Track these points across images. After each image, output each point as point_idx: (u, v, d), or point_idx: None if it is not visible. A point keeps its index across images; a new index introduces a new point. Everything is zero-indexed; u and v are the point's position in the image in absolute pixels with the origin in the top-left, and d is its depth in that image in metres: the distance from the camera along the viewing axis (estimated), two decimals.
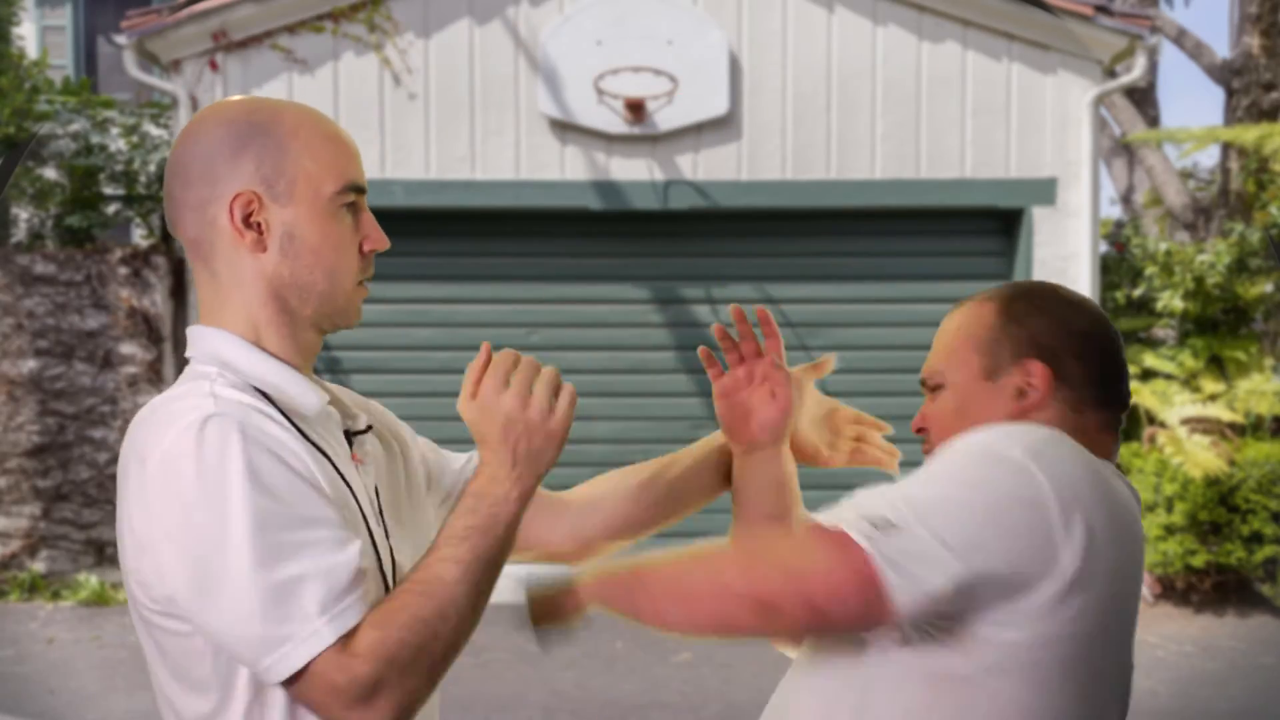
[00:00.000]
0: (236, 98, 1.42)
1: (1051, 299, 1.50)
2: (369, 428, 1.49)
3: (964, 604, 1.25)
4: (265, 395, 1.35)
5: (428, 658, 1.25)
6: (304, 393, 1.38)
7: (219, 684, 1.30)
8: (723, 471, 1.73)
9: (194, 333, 1.41)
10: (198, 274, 1.41)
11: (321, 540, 1.25)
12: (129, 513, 1.28)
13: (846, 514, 1.28)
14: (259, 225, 1.35)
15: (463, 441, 5.86)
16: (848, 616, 1.25)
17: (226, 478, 1.23)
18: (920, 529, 1.24)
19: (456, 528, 1.31)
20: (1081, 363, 1.46)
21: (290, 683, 1.24)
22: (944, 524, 1.24)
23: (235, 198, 1.34)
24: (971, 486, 1.28)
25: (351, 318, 1.42)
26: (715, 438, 1.74)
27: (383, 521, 1.44)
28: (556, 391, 1.38)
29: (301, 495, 1.26)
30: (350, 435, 1.45)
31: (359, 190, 1.40)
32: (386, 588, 1.39)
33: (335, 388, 1.51)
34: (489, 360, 1.37)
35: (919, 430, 1.52)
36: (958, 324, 1.52)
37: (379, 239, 1.42)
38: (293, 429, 1.33)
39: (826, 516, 1.30)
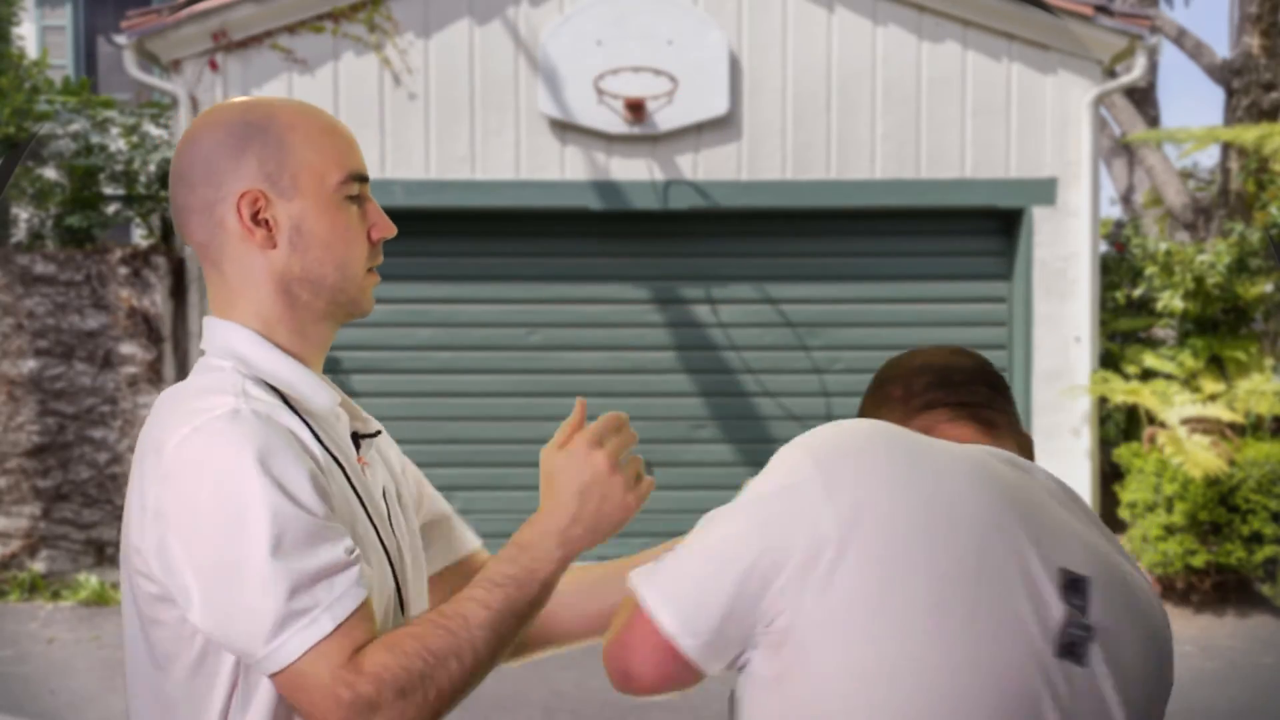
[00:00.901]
0: (231, 101, 1.42)
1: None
2: (378, 432, 1.49)
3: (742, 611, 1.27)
4: (277, 392, 1.35)
5: (433, 691, 1.25)
6: (315, 391, 1.39)
7: (205, 676, 1.29)
8: None
9: (209, 324, 1.41)
10: (208, 276, 1.42)
11: (326, 538, 1.25)
12: (142, 494, 1.28)
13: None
14: (267, 222, 1.36)
15: (460, 441, 5.94)
16: (649, 673, 1.32)
17: (243, 470, 1.23)
18: (685, 551, 1.30)
19: (493, 573, 1.30)
20: (897, 391, 1.57)
21: (288, 679, 1.23)
22: (702, 544, 1.30)
23: (242, 196, 1.35)
24: (743, 498, 1.33)
25: (365, 306, 1.43)
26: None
27: (390, 523, 1.45)
28: (638, 476, 1.37)
29: (308, 493, 1.25)
30: (357, 439, 1.45)
31: (362, 179, 1.40)
32: (398, 585, 1.41)
33: (345, 397, 1.50)
34: (583, 417, 1.36)
35: None
36: None
37: (386, 226, 1.42)
38: (306, 426, 1.34)
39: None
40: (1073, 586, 1.28)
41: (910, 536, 1.26)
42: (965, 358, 1.56)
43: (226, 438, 1.24)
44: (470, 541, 1.68)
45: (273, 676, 1.24)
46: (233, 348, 1.37)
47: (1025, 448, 1.51)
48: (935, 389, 1.53)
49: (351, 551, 1.26)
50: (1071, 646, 1.26)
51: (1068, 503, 1.39)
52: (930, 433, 1.45)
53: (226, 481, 1.23)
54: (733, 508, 1.32)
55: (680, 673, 1.30)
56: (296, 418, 1.33)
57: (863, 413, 1.58)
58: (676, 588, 1.29)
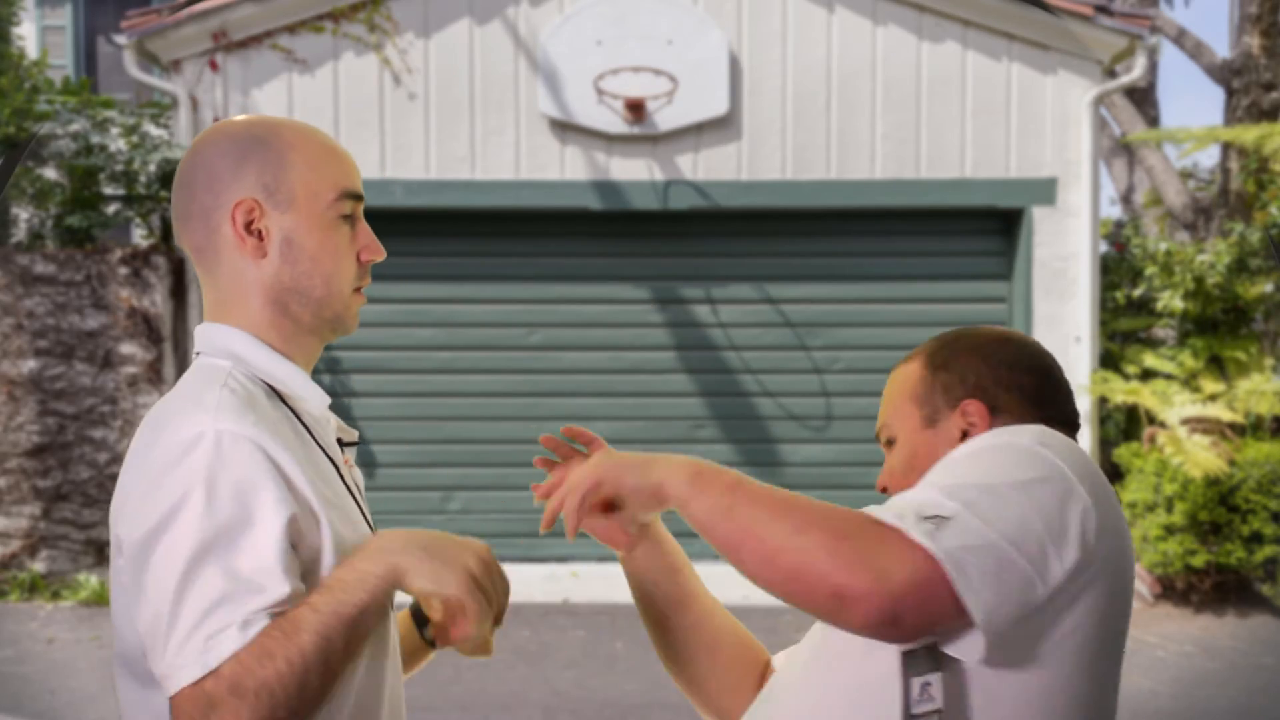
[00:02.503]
0: (240, 117, 1.48)
1: (972, 340, 1.56)
2: (360, 439, 1.57)
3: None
4: (275, 391, 1.42)
5: (260, 686, 1.21)
6: (311, 391, 1.44)
7: None
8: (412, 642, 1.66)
9: (203, 330, 1.45)
10: (203, 282, 1.46)
11: (241, 576, 1.24)
12: (125, 491, 1.33)
13: (899, 508, 1.28)
14: (260, 232, 1.41)
15: (460, 441, 5.97)
16: (921, 623, 1.23)
17: (190, 493, 1.25)
18: (976, 521, 1.24)
19: (331, 575, 1.29)
20: (1014, 393, 1.51)
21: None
22: (996, 515, 1.25)
23: (237, 205, 1.40)
24: (1001, 474, 1.30)
25: (349, 324, 1.48)
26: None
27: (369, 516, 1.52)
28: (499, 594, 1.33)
29: (251, 525, 1.26)
30: (341, 444, 1.52)
31: (355, 197, 1.45)
32: None
33: None
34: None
35: (883, 489, 1.55)
36: (895, 381, 1.58)
37: (376, 249, 1.47)
38: (299, 424, 1.41)
39: (880, 512, 1.29)
40: None
41: (1124, 580, 1.36)
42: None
43: (189, 457, 1.27)
44: None
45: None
46: (229, 347, 1.42)
47: None
48: (1059, 407, 1.52)
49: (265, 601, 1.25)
50: None
51: None
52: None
53: (174, 498, 1.25)
54: (987, 477, 1.30)
55: (947, 620, 1.24)
56: (284, 412, 1.39)
57: (965, 382, 1.51)
58: (973, 558, 1.23)
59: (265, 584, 1.24)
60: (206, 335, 1.44)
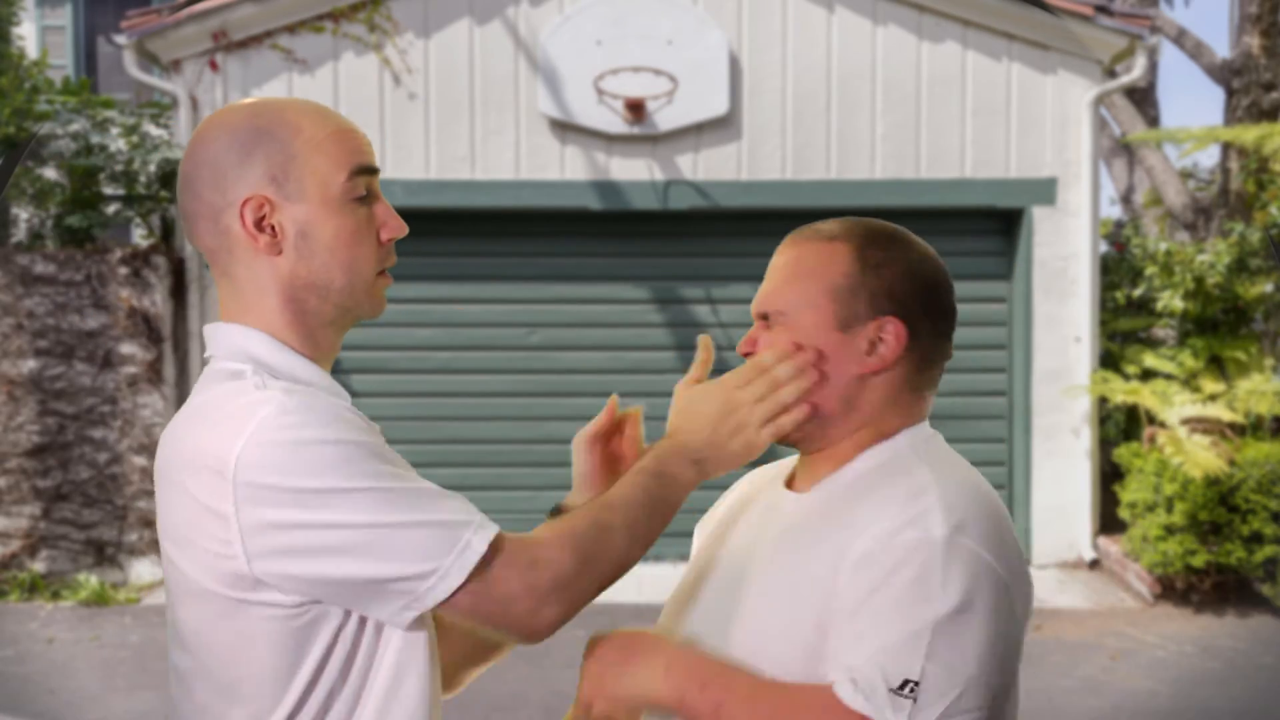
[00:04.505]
0: (239, 103, 1.40)
1: (904, 245, 1.42)
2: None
3: None
4: None
5: (605, 558, 1.31)
6: (338, 391, 1.40)
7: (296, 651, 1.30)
8: None
9: (216, 330, 1.39)
10: (218, 283, 1.40)
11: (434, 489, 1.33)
12: (219, 514, 1.25)
13: (867, 678, 1.21)
14: (273, 228, 1.34)
15: (460, 441, 5.96)
16: None
17: (341, 440, 1.26)
18: (948, 683, 1.20)
19: (631, 472, 1.38)
20: (930, 319, 1.40)
21: (472, 590, 1.27)
22: (962, 663, 1.22)
23: (245, 202, 1.33)
24: (974, 615, 1.23)
25: (374, 308, 1.43)
26: None
27: None
28: (775, 416, 1.41)
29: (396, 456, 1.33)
30: None
31: (369, 171, 1.38)
32: None
33: None
34: (711, 356, 1.48)
35: (745, 354, 1.47)
36: (808, 261, 1.41)
37: (397, 226, 1.41)
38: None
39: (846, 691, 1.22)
40: None
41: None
42: None
43: (296, 424, 1.25)
44: None
45: (453, 593, 1.27)
46: (249, 351, 1.35)
47: None
48: (949, 344, 1.48)
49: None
50: None
51: None
52: (917, 394, 1.47)
53: (320, 457, 1.24)
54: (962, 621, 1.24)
55: None
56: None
57: (893, 295, 1.42)
58: None
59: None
60: (219, 336, 1.37)
